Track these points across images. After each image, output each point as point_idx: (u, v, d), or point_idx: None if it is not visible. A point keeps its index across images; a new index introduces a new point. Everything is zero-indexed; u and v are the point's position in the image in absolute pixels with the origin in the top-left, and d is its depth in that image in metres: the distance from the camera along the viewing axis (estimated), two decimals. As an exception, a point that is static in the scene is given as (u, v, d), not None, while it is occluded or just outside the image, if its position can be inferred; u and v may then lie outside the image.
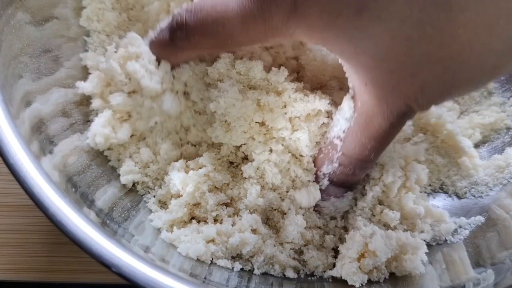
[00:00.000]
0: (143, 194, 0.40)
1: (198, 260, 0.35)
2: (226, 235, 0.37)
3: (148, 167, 0.40)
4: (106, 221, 0.34)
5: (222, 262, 0.36)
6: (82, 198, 0.34)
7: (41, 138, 0.34)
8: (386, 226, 0.40)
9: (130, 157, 0.40)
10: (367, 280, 0.36)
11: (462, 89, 0.30)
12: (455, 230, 0.41)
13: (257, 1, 0.30)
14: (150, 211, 0.39)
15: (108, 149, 0.40)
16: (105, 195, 0.36)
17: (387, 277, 0.37)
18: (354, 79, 0.33)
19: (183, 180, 0.37)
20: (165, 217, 0.38)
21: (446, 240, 0.41)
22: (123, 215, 0.36)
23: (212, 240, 0.36)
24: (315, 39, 0.31)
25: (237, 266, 0.36)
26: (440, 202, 0.44)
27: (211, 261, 0.36)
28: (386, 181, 0.39)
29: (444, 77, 0.28)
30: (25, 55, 0.37)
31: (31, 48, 0.37)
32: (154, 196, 0.40)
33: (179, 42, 0.35)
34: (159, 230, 0.37)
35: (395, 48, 0.28)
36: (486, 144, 0.46)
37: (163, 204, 0.40)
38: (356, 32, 0.28)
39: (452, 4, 0.25)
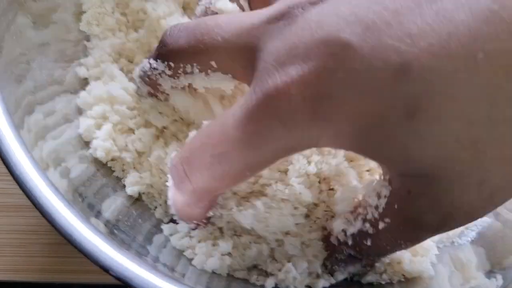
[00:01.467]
0: (150, 204, 0.40)
1: (214, 273, 0.35)
2: (243, 246, 0.36)
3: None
4: (114, 231, 0.33)
5: (239, 274, 0.35)
6: (89, 208, 0.33)
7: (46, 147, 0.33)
8: None
9: (134, 167, 0.39)
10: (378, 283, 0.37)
11: None
12: (462, 232, 0.41)
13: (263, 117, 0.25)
14: (158, 220, 0.39)
15: (112, 159, 0.39)
16: (113, 206, 0.36)
17: (402, 279, 0.37)
18: (396, 181, 0.27)
19: None
20: (177, 229, 0.37)
21: (453, 242, 0.40)
22: (129, 225, 0.36)
23: (228, 254, 0.36)
24: (349, 147, 0.26)
25: (254, 278, 0.36)
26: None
27: (228, 273, 0.35)
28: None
29: (506, 180, 0.23)
30: (26, 61, 0.36)
31: (32, 53, 0.37)
32: (160, 205, 0.39)
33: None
34: (169, 240, 0.37)
35: (459, 153, 0.22)
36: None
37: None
38: (406, 137, 0.23)
39: None
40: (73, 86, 0.41)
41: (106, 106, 0.39)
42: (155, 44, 0.42)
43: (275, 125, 0.25)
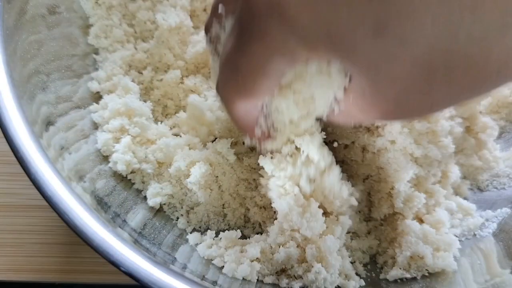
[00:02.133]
0: (171, 214, 0.39)
1: (244, 279, 0.34)
2: (271, 251, 0.36)
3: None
4: (139, 241, 0.33)
5: (269, 279, 0.35)
6: (114, 220, 0.33)
7: (68, 163, 0.33)
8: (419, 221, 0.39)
9: (154, 178, 0.39)
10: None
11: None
12: (483, 224, 0.41)
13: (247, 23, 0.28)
14: (181, 231, 0.38)
15: (131, 172, 0.39)
16: (135, 218, 0.36)
17: (426, 274, 0.37)
18: (355, 81, 0.30)
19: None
20: (202, 238, 0.37)
21: (475, 235, 0.40)
22: (154, 236, 0.36)
23: (257, 259, 0.35)
24: (321, 57, 0.28)
25: (284, 282, 0.35)
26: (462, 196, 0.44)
27: (257, 279, 0.35)
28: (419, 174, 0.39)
29: (457, 97, 0.26)
30: (41, 74, 0.36)
31: (45, 68, 0.37)
32: (181, 215, 0.39)
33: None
34: (196, 250, 0.37)
35: (413, 74, 0.25)
36: (503, 135, 0.46)
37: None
38: (372, 53, 0.25)
39: (487, 33, 0.22)
40: (85, 101, 0.40)
41: (123, 119, 0.39)
42: (168, 55, 0.42)
43: (254, 30, 0.27)
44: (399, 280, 0.37)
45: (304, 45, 0.27)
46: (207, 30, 0.34)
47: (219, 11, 0.31)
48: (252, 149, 0.40)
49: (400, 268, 0.37)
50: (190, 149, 0.39)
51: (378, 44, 0.24)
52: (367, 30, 0.24)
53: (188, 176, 0.37)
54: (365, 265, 0.39)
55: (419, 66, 0.24)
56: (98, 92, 0.41)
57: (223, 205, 0.40)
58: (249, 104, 0.32)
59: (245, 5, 0.27)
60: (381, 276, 0.38)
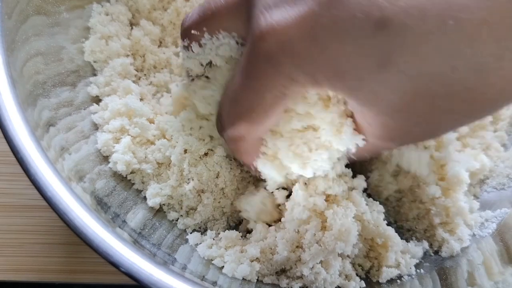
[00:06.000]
0: (170, 214, 0.39)
1: (244, 279, 0.34)
2: (270, 251, 0.36)
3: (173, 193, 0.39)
4: (139, 241, 0.33)
5: (269, 279, 0.35)
6: (113, 220, 0.33)
7: (68, 164, 0.33)
8: None
9: (154, 179, 0.39)
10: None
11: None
12: (482, 224, 0.41)
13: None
14: (181, 231, 0.38)
15: (131, 172, 0.39)
16: (135, 219, 0.36)
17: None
18: (360, 117, 0.31)
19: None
20: (202, 238, 0.37)
21: (474, 235, 0.40)
22: (154, 236, 0.36)
23: (257, 259, 0.36)
24: (327, 87, 0.28)
25: (285, 282, 0.35)
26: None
27: (257, 279, 0.35)
28: None
29: (458, 122, 0.28)
30: (41, 75, 0.36)
31: (46, 69, 0.37)
32: (181, 216, 0.39)
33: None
34: (196, 250, 0.37)
35: (417, 103, 0.26)
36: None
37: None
38: (376, 85, 0.25)
39: (485, 64, 0.23)
40: (85, 103, 0.40)
41: (123, 119, 0.39)
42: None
43: (264, 66, 0.28)
44: (398, 281, 0.37)
45: (312, 82, 0.28)
46: (185, 36, 0.34)
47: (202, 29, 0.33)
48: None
49: (389, 267, 0.37)
50: (187, 152, 0.39)
51: (382, 77, 0.25)
52: (372, 64, 0.24)
53: (184, 180, 0.38)
54: (364, 266, 0.39)
55: (422, 95, 0.25)
56: (97, 96, 0.41)
57: (222, 207, 0.40)
58: (255, 136, 0.33)
59: (255, 45, 0.28)
60: (374, 279, 0.38)
